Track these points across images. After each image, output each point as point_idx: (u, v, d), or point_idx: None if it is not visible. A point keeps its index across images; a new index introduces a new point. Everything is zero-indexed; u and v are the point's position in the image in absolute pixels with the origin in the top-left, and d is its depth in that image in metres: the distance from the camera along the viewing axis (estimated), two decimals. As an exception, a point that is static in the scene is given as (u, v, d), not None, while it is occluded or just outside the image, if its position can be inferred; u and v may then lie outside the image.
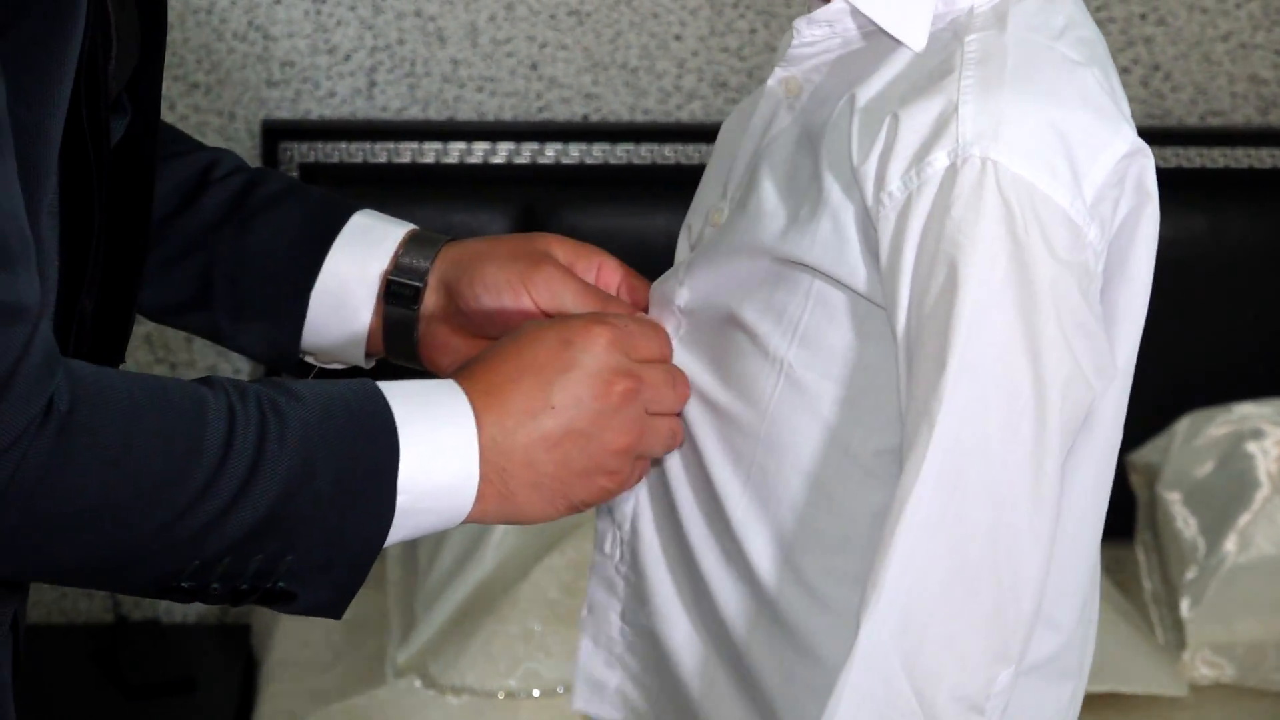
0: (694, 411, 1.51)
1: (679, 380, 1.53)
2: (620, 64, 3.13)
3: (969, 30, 1.40)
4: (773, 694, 1.48)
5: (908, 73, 1.42)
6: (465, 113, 3.12)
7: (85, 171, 1.43)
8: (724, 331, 1.49)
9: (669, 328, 1.54)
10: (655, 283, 1.54)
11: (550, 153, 3.07)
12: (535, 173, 3.08)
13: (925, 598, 1.37)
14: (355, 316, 1.65)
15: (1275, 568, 2.80)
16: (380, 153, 3.05)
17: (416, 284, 1.62)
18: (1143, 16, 3.16)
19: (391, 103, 3.12)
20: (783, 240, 1.44)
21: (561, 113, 3.15)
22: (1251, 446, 2.91)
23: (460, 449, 1.43)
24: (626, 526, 1.57)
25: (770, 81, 1.50)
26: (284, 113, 3.11)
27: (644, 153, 3.08)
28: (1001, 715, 1.39)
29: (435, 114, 3.12)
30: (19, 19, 1.31)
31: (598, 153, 3.08)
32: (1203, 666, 2.77)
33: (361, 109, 3.13)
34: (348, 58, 3.10)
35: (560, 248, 1.62)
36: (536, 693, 2.61)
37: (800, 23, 1.46)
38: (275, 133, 3.05)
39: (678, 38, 3.13)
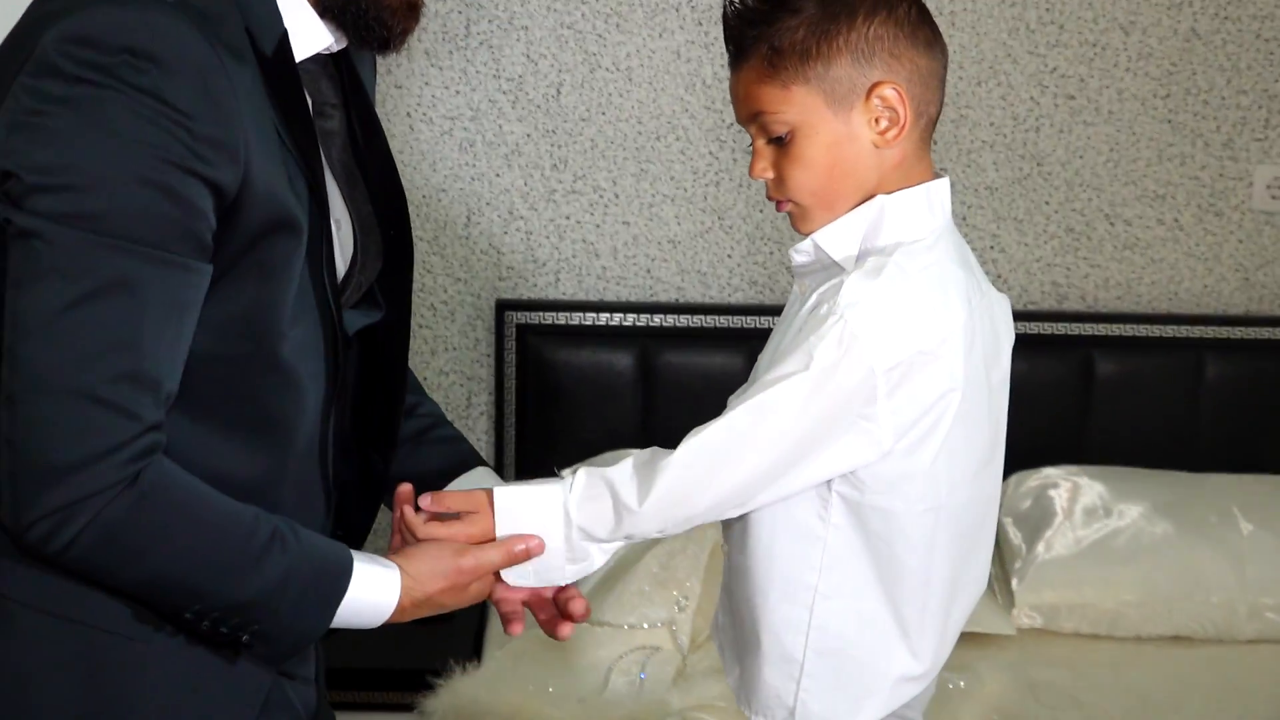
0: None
1: (488, 582, 1.76)
2: (696, 270, 3.65)
3: (872, 254, 1.66)
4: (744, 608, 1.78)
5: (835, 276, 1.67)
6: (609, 296, 3.65)
7: (335, 349, 1.63)
8: None
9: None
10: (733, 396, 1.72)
11: (656, 320, 3.56)
12: (648, 331, 3.55)
13: (729, 436, 1.66)
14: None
15: (1065, 562, 3.28)
16: (562, 318, 3.56)
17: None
18: (991, 247, 3.62)
19: (568, 289, 3.64)
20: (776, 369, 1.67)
21: (663, 296, 3.65)
22: (1052, 492, 3.41)
23: (385, 598, 1.65)
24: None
25: (794, 287, 1.74)
26: (508, 295, 3.63)
27: (708, 320, 3.57)
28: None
29: (592, 296, 3.65)
30: (266, 237, 1.53)
31: (683, 320, 3.57)
32: (1024, 618, 3.26)
33: (550, 293, 3.64)
34: (544, 265, 3.64)
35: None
36: (645, 625, 3.08)
37: (792, 252, 1.69)
38: (503, 306, 3.56)
39: (729, 256, 3.66)
